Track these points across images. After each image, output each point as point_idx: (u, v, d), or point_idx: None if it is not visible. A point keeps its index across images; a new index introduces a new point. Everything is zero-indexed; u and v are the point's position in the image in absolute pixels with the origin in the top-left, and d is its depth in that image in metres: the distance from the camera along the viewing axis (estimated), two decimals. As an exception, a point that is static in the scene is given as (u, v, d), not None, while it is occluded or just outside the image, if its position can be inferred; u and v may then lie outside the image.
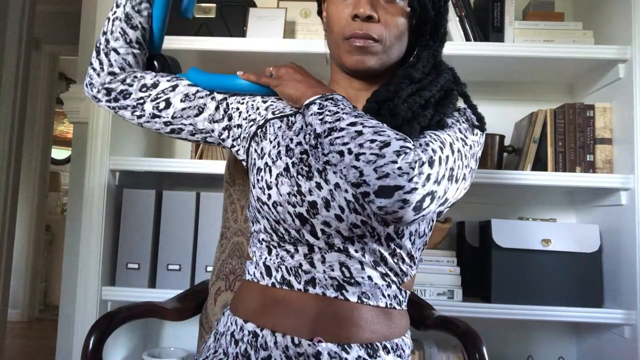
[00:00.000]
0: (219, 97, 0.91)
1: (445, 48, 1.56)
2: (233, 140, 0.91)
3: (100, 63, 0.91)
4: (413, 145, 0.72)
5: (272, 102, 0.91)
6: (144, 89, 0.91)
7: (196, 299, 1.18)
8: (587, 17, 1.68)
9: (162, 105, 0.90)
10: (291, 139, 0.83)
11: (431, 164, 0.71)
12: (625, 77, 1.47)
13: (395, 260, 0.81)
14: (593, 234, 1.49)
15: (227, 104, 0.91)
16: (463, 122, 0.84)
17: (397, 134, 0.72)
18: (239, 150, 0.91)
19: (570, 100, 1.74)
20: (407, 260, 0.83)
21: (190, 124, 0.91)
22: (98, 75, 0.91)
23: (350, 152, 0.72)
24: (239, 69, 0.93)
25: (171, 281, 1.51)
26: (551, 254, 1.47)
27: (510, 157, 1.65)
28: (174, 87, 0.91)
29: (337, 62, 0.88)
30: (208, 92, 0.92)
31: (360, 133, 0.72)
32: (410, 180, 0.69)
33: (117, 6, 0.91)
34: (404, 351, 0.84)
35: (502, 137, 1.58)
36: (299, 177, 0.78)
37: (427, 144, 0.74)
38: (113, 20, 0.91)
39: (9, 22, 2.02)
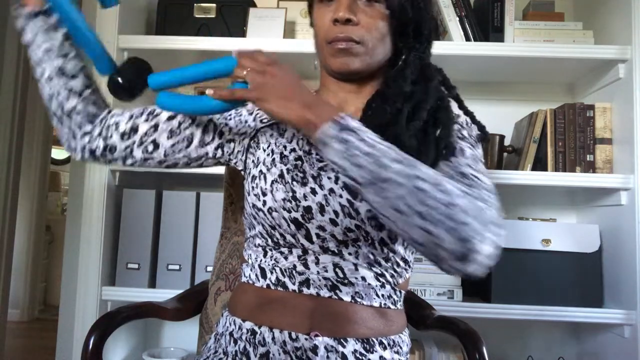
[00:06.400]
0: (204, 119, 0.90)
1: (445, 48, 1.55)
2: (229, 155, 0.91)
3: (70, 130, 0.88)
4: (474, 196, 0.69)
5: (257, 109, 0.91)
6: (126, 137, 0.88)
7: (196, 299, 1.18)
8: (587, 17, 1.68)
9: (150, 147, 0.88)
10: (285, 146, 0.84)
11: (500, 223, 0.68)
12: (625, 77, 1.47)
13: (390, 264, 0.82)
14: (593, 234, 1.49)
15: (214, 124, 0.91)
16: (474, 144, 0.84)
17: (456, 185, 0.69)
18: (236, 162, 0.91)
19: (570, 100, 1.74)
20: (401, 263, 0.84)
21: (184, 156, 0.90)
22: (74, 142, 0.89)
23: (410, 209, 0.65)
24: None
25: (171, 281, 1.51)
26: (551, 254, 1.47)
27: (510, 157, 1.65)
28: (156, 127, 0.88)
29: (324, 67, 0.88)
30: (191, 120, 0.90)
31: (419, 189, 0.65)
32: (484, 242, 0.65)
33: (41, 65, 0.85)
34: (401, 348, 0.84)
35: (502, 137, 1.59)
36: (294, 183, 0.80)
37: (486, 198, 0.70)
38: (48, 81, 0.86)
39: (9, 22, 2.02)
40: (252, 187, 0.83)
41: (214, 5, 1.58)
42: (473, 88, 1.73)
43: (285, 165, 0.82)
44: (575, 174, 1.48)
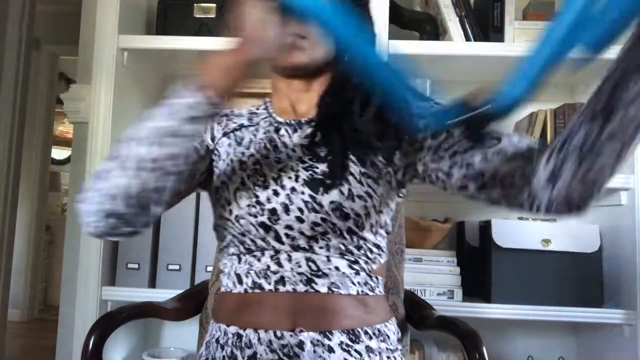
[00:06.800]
0: (204, 153, 0.88)
1: (445, 48, 1.55)
2: (205, 176, 0.91)
3: (137, 221, 0.73)
4: None
5: (226, 119, 0.92)
6: (166, 205, 0.79)
7: (196, 299, 1.18)
8: (587, 17, 1.68)
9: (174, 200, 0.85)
10: (242, 153, 0.86)
11: None
12: (625, 77, 1.47)
13: (362, 252, 0.83)
14: (593, 234, 1.49)
15: (210, 157, 0.90)
16: None
17: None
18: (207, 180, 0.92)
19: (570, 100, 1.74)
20: (373, 249, 0.85)
21: (181, 196, 0.88)
22: (129, 228, 0.74)
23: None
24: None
25: (171, 281, 1.51)
26: (551, 254, 1.47)
27: (510, 157, 1.65)
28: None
29: (273, 67, 0.88)
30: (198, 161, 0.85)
31: None
32: None
33: (172, 155, 0.70)
34: (388, 337, 0.84)
35: (502, 137, 1.58)
36: (256, 187, 0.81)
37: None
38: (166, 173, 0.70)
39: (9, 22, 2.02)
40: (217, 199, 0.84)
41: (214, 5, 1.58)
42: (473, 88, 1.73)
43: (245, 171, 0.83)
44: (575, 174, 1.47)
